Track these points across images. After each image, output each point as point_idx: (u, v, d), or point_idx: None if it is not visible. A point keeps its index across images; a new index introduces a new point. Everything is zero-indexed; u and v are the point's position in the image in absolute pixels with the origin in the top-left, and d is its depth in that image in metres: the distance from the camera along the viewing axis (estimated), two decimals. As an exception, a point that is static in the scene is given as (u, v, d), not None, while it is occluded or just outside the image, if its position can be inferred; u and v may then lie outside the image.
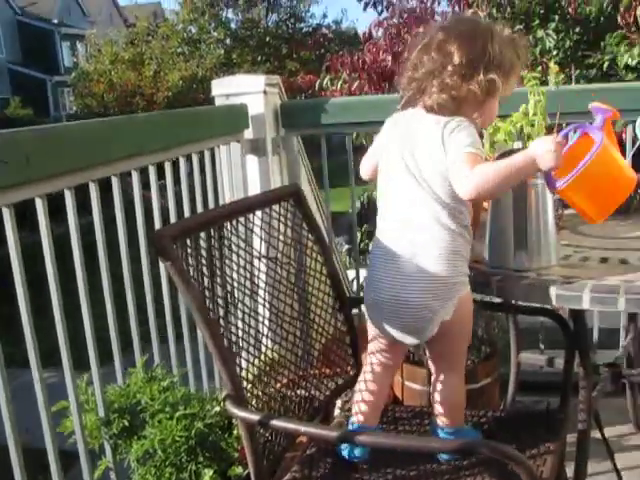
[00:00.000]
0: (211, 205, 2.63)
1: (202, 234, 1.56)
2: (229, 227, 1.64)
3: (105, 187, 1.98)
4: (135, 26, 26.71)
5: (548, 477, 1.58)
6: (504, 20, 7.03)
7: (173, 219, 2.23)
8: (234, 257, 1.65)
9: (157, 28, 26.53)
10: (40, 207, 1.72)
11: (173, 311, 2.32)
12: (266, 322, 1.73)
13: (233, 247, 1.65)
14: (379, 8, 8.41)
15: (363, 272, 1.90)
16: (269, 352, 1.73)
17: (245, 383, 1.57)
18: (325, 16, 30.97)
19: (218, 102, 2.89)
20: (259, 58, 27.85)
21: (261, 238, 1.74)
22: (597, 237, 1.89)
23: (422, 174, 1.55)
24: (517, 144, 2.05)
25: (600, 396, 2.37)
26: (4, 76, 29.13)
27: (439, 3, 8.36)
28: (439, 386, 1.68)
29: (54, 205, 1.92)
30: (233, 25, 29.43)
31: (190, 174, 2.47)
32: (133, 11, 31.27)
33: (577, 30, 6.90)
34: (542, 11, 6.89)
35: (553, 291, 1.51)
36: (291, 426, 1.50)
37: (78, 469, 1.95)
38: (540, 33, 6.76)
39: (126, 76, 23.52)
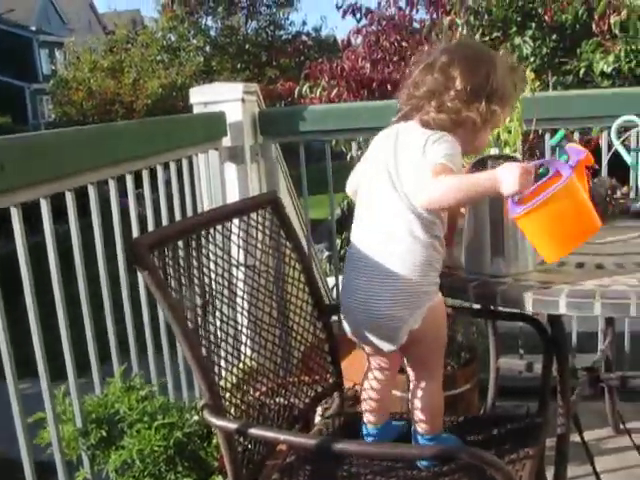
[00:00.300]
0: (189, 213, 2.62)
1: (180, 243, 1.55)
2: (207, 235, 1.64)
3: (85, 193, 1.97)
4: (114, 34, 26.62)
5: (527, 482, 1.59)
6: (482, 27, 7.09)
7: (151, 227, 2.22)
8: (212, 265, 1.65)
9: (136, 36, 26.43)
10: (15, 216, 1.70)
11: (152, 319, 2.31)
12: (244, 330, 1.72)
13: (211, 255, 1.65)
14: (358, 16, 8.44)
15: (343, 279, 1.91)
16: (248, 360, 1.73)
17: (223, 392, 1.57)
18: (305, 23, 31.01)
19: (196, 110, 2.89)
20: (239, 65, 27.82)
21: (239, 246, 1.74)
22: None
23: (402, 186, 1.57)
24: (494, 150, 2.06)
25: (579, 400, 2.39)
26: (-19, 84, 28.91)
27: (417, 11, 8.41)
28: (417, 393, 1.69)
29: (31, 214, 1.91)
30: (213, 33, 29.37)
31: (168, 182, 2.46)
32: (112, 19, 31.10)
33: (554, 37, 6.96)
34: (519, 18, 6.95)
35: (530, 297, 1.52)
36: (269, 434, 1.49)
37: (55, 481, 1.93)
38: (517, 40, 6.82)
39: (105, 84, 23.41)
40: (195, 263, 1.58)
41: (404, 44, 8.14)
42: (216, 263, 1.65)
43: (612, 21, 5.80)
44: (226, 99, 2.84)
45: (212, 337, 1.59)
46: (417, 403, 1.69)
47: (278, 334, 1.82)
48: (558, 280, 1.58)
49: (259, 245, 1.80)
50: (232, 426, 1.47)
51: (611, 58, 5.94)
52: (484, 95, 1.57)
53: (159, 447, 1.89)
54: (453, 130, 1.59)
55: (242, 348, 1.69)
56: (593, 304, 1.47)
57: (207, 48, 28.33)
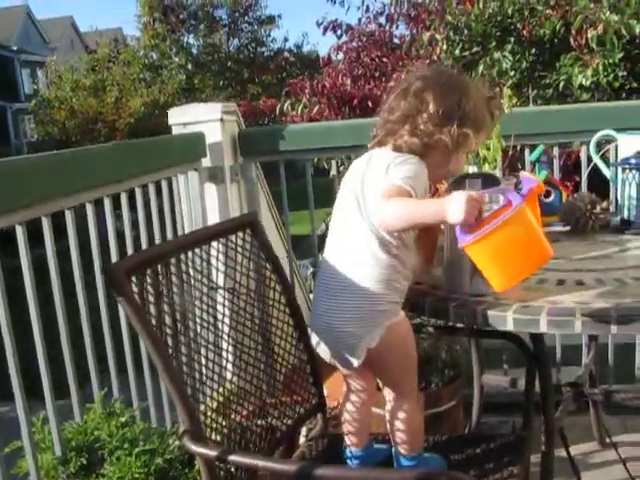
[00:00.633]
0: (169, 235, 2.61)
1: (158, 267, 1.54)
2: (185, 259, 1.62)
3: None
4: (96, 52, 26.62)
5: (511, 501, 1.58)
6: (462, 42, 7.13)
7: (130, 251, 2.20)
8: (191, 289, 1.64)
9: (118, 54, 26.46)
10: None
11: (133, 341, 2.28)
12: (224, 354, 1.71)
13: (190, 279, 1.63)
14: (338, 32, 8.50)
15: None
16: (228, 385, 1.71)
17: (203, 417, 1.55)
18: (286, 40, 31.04)
19: (175, 131, 2.88)
20: (221, 83, 27.89)
21: (217, 269, 1.73)
22: (554, 259, 1.89)
23: (366, 207, 1.59)
24: (472, 168, 2.06)
25: (564, 415, 2.39)
26: (-37, 104, 28.80)
27: (397, 26, 8.48)
28: (394, 413, 1.70)
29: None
30: (194, 50, 29.46)
31: (148, 204, 2.45)
32: (94, 38, 31.11)
33: (533, 51, 7.00)
34: (498, 33, 6.98)
35: (510, 316, 1.51)
36: (249, 461, 1.49)
37: (34, 510, 1.89)
38: (497, 55, 6.85)
39: (87, 103, 23.41)
40: (174, 288, 1.57)
41: (385, 60, 8.20)
42: (195, 287, 1.64)
43: (589, 35, 5.86)
44: (205, 119, 2.83)
45: (192, 362, 1.57)
46: (395, 424, 1.69)
47: (258, 357, 1.80)
48: (538, 298, 1.57)
49: (238, 267, 1.79)
50: (212, 453, 1.45)
51: (589, 72, 5.98)
52: (456, 118, 1.60)
53: (140, 474, 1.86)
54: (425, 154, 1.62)
55: (223, 372, 1.68)
56: (574, 322, 1.47)
57: (189, 66, 28.40)
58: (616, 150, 2.43)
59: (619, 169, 2.23)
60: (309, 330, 1.73)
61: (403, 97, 1.65)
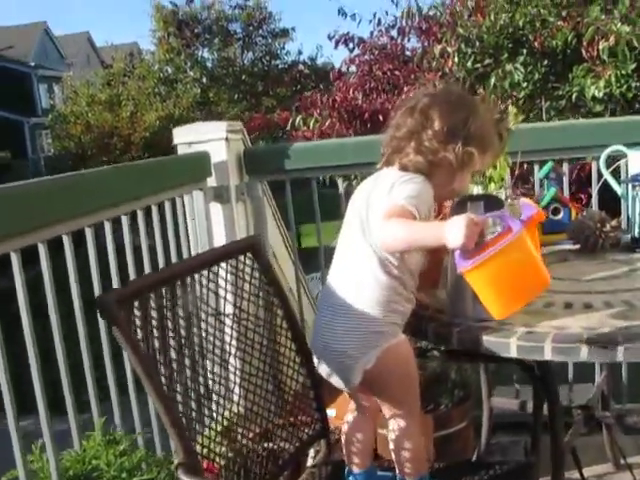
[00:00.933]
0: (174, 256, 2.58)
1: (154, 294, 1.51)
2: (182, 286, 1.60)
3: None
4: (112, 67, 26.84)
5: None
6: (474, 54, 7.11)
7: (132, 276, 2.18)
8: (189, 316, 1.61)
9: (133, 69, 26.66)
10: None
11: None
12: (223, 382, 1.68)
13: (188, 306, 1.61)
14: (350, 45, 8.52)
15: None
16: (227, 413, 1.68)
17: (207, 442, 1.54)
18: (300, 53, 31.21)
19: (181, 150, 2.87)
20: (236, 96, 28.04)
21: (216, 294, 1.70)
22: (562, 279, 1.85)
23: (370, 228, 1.59)
24: (477, 189, 2.03)
25: (575, 438, 2.33)
26: (-19, 119, 29.06)
27: (409, 39, 8.49)
28: (391, 435, 1.68)
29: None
30: (209, 64, 29.67)
31: (150, 224, 2.42)
32: (110, 52, 31.38)
33: (545, 63, 6.97)
34: (510, 45, 6.96)
35: (514, 343, 1.48)
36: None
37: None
38: (509, 67, 6.83)
39: (103, 117, 23.59)
40: (169, 315, 1.54)
41: (397, 73, 8.20)
42: (192, 314, 1.62)
43: (601, 47, 5.82)
44: (210, 139, 2.82)
45: (189, 391, 1.55)
46: (397, 448, 1.67)
47: (261, 383, 1.77)
48: (544, 323, 1.54)
49: (239, 292, 1.76)
50: (207, 486, 1.42)
51: (602, 83, 5.94)
52: (461, 136, 1.59)
53: (138, 504, 1.83)
54: (430, 172, 1.61)
55: (221, 401, 1.65)
56: (579, 349, 1.43)
57: (204, 79, 28.59)
58: (627, 166, 2.39)
59: (629, 186, 2.19)
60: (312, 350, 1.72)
61: (410, 114, 1.65)
